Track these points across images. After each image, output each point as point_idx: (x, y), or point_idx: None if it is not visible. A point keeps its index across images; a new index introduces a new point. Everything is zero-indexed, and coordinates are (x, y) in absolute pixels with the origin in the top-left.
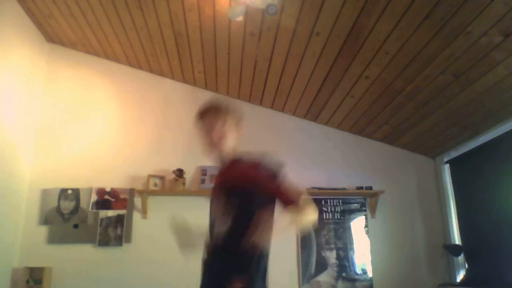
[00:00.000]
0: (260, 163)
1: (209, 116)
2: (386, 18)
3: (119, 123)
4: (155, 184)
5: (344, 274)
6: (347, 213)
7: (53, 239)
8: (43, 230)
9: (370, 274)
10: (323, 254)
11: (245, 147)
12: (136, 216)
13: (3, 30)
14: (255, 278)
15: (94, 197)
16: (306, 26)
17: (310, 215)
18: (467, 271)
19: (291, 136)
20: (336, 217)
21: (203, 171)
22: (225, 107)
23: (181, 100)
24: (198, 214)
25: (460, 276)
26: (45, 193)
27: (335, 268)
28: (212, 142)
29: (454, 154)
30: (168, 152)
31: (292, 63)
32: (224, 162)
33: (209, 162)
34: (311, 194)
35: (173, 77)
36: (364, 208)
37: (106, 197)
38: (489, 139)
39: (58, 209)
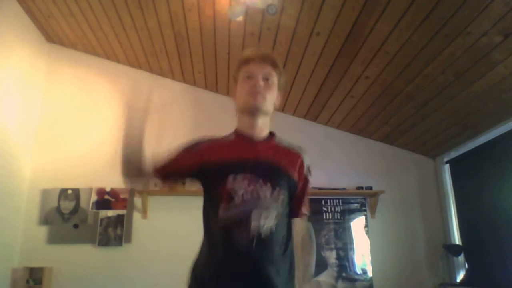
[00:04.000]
0: (301, 157)
1: (264, 63)
2: (386, 18)
3: (119, 123)
4: (155, 184)
5: (344, 274)
6: (347, 213)
7: (53, 239)
8: (43, 230)
9: (370, 274)
10: (323, 254)
11: None
12: (136, 216)
13: (3, 30)
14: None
15: (94, 197)
16: (306, 26)
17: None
18: (467, 271)
19: (291, 136)
20: (336, 217)
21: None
22: (281, 65)
23: (181, 100)
24: (198, 214)
25: (460, 276)
26: (45, 193)
27: (335, 268)
28: (256, 91)
29: (454, 154)
30: None
31: (292, 63)
32: (259, 127)
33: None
34: (311, 194)
35: (173, 77)
36: (364, 208)
37: (106, 197)
38: (489, 139)
39: (58, 209)
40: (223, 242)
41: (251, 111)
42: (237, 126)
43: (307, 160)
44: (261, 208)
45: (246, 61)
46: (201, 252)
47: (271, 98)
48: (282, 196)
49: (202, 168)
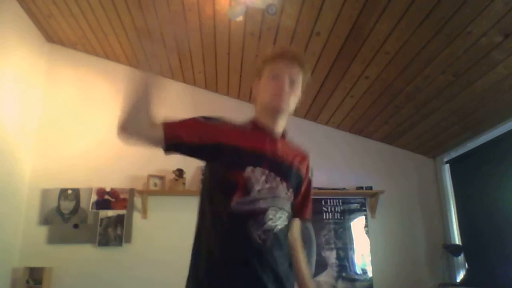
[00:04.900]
0: (307, 157)
1: (292, 63)
2: (386, 18)
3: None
4: (155, 184)
5: (344, 274)
6: (347, 213)
7: (53, 239)
8: (43, 230)
9: (370, 274)
10: (323, 254)
11: None
12: (136, 216)
13: (3, 30)
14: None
15: (94, 197)
16: (306, 26)
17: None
18: (467, 271)
19: (290, 136)
20: (336, 217)
21: (203, 171)
22: (308, 66)
23: (181, 100)
24: None
25: (460, 276)
26: (45, 193)
27: (335, 268)
28: (281, 94)
29: (454, 154)
30: None
31: None
32: (279, 125)
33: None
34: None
35: (173, 77)
36: (364, 208)
37: (106, 197)
38: (489, 139)
39: (58, 209)
40: (236, 236)
41: (274, 112)
42: (255, 118)
43: (310, 162)
44: (276, 207)
45: (274, 59)
46: (204, 241)
47: (294, 100)
48: (292, 197)
49: (218, 148)
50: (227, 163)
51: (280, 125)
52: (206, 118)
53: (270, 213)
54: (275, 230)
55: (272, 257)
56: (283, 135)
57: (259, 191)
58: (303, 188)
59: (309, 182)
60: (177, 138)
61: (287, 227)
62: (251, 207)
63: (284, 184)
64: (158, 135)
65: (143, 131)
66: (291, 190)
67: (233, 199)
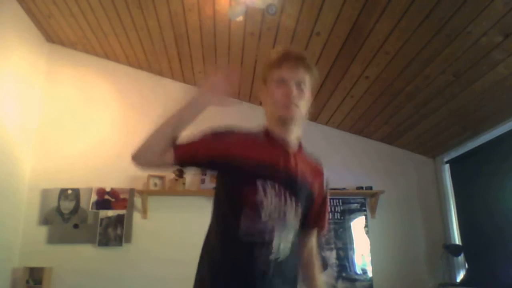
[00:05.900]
0: (322, 172)
1: (297, 67)
2: (386, 18)
3: (119, 123)
4: (155, 184)
5: (344, 274)
6: (347, 213)
7: (53, 239)
8: (43, 230)
9: (370, 274)
10: (323, 254)
11: None
12: (136, 216)
13: (3, 30)
14: None
15: (94, 197)
16: (306, 26)
17: None
18: (467, 271)
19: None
20: (336, 217)
21: (203, 171)
22: (314, 66)
23: (181, 100)
24: (198, 214)
25: (460, 276)
26: (45, 193)
27: (335, 268)
28: (289, 102)
29: (454, 154)
30: None
31: None
32: (293, 133)
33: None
34: None
35: (173, 77)
36: (364, 208)
37: (106, 197)
38: (489, 139)
39: (58, 209)
40: (240, 260)
41: (285, 122)
42: (268, 126)
43: (326, 173)
44: (284, 229)
45: (278, 64)
46: (212, 260)
47: (304, 104)
48: (301, 213)
49: (229, 161)
50: (237, 178)
51: (295, 132)
52: (216, 134)
53: (277, 236)
54: (281, 252)
55: (272, 285)
56: (299, 147)
57: (269, 212)
58: (316, 204)
59: (324, 199)
60: (186, 159)
61: (294, 251)
62: (260, 229)
63: (294, 199)
64: (168, 161)
65: (155, 161)
66: (300, 207)
67: (242, 219)
